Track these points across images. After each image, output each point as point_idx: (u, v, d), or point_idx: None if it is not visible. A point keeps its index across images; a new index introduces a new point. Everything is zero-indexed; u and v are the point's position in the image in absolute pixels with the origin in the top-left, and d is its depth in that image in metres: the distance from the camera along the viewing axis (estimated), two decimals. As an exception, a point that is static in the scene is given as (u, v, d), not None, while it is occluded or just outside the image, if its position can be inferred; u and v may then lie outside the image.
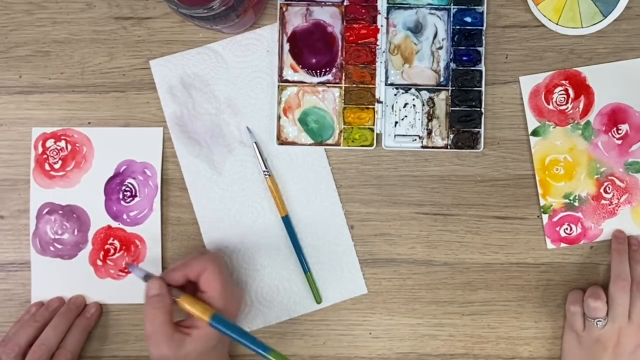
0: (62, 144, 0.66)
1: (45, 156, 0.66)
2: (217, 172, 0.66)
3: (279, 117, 0.66)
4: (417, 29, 0.66)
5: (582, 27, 0.65)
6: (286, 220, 0.66)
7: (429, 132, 0.66)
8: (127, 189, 0.67)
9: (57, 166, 0.66)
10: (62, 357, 0.61)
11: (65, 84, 0.67)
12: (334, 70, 0.66)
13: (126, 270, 0.67)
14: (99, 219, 0.67)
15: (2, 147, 0.67)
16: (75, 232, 0.67)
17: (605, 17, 0.64)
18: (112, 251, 0.67)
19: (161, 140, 0.66)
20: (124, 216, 0.67)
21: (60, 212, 0.67)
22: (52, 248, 0.67)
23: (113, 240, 0.67)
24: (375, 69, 0.65)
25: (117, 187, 0.67)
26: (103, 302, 0.67)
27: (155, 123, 0.66)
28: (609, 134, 0.66)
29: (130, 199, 0.67)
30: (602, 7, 0.64)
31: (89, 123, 0.67)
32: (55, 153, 0.66)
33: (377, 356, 0.67)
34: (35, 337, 0.62)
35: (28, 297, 0.67)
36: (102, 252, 0.67)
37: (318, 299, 0.66)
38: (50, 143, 0.66)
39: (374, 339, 0.67)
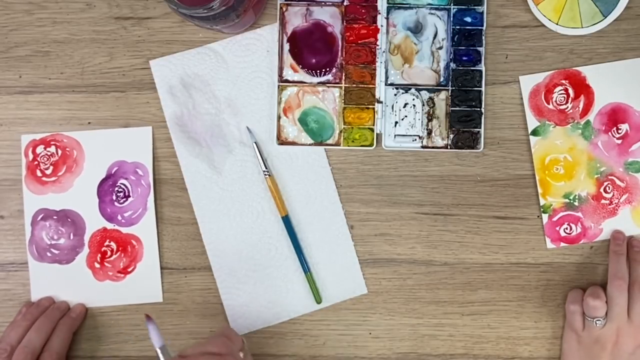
0: (52, 149, 0.66)
1: (36, 162, 0.66)
2: (217, 172, 0.66)
3: (279, 117, 0.66)
4: (417, 29, 0.66)
5: (582, 27, 0.65)
6: (286, 220, 0.66)
7: (429, 132, 0.66)
8: (120, 189, 0.66)
9: (48, 172, 0.66)
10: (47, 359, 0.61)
11: (65, 84, 0.67)
12: (334, 70, 0.66)
13: (124, 271, 0.67)
14: (94, 222, 0.67)
15: (3, 147, 0.67)
16: (71, 237, 0.67)
17: (605, 17, 0.64)
18: (109, 253, 0.67)
19: (151, 139, 0.66)
20: (119, 217, 0.67)
21: (55, 217, 0.66)
22: (49, 254, 0.66)
23: (109, 242, 0.67)
24: (375, 69, 0.65)
25: (110, 189, 0.67)
26: (104, 305, 0.67)
27: (155, 123, 0.66)
28: (609, 133, 0.66)
29: (124, 199, 0.66)
30: (602, 7, 0.64)
31: (89, 123, 0.67)
32: (45, 159, 0.66)
33: (377, 356, 0.67)
34: None
35: (28, 297, 0.67)
36: (100, 255, 0.67)
37: (318, 299, 0.66)
38: (40, 149, 0.66)
39: (374, 339, 0.67)
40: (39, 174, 0.66)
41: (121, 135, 0.66)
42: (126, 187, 0.66)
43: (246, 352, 0.58)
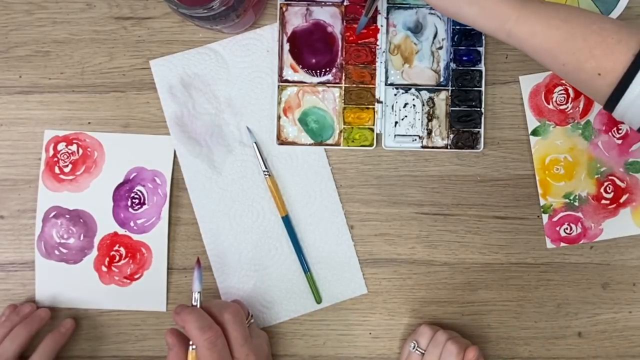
0: (74, 147, 0.66)
1: (55, 159, 0.66)
2: (217, 172, 0.66)
3: (279, 117, 0.66)
4: (417, 29, 0.66)
5: (582, 27, 0.65)
6: (286, 220, 0.66)
7: (429, 132, 0.66)
8: (136, 196, 0.66)
9: (67, 170, 0.66)
10: None
11: (65, 84, 0.67)
12: (334, 70, 0.66)
13: (131, 277, 0.66)
14: (106, 225, 0.66)
15: (2, 147, 0.67)
16: (81, 237, 0.67)
17: (605, 17, 0.64)
18: (117, 258, 0.66)
19: (173, 148, 0.66)
20: (131, 223, 0.66)
21: (67, 216, 0.66)
22: (57, 252, 0.66)
23: (119, 247, 0.66)
24: (375, 69, 0.65)
25: (125, 194, 0.66)
26: (107, 308, 0.67)
27: (155, 123, 0.66)
28: (609, 133, 0.66)
29: (139, 206, 0.66)
30: (602, 7, 0.64)
31: (89, 123, 0.67)
32: (66, 157, 0.66)
33: (377, 356, 0.67)
34: None
35: (28, 297, 0.67)
36: (108, 259, 0.66)
37: (318, 299, 0.66)
38: (61, 146, 0.66)
39: (374, 339, 0.67)
40: (57, 170, 0.66)
41: (143, 141, 0.66)
42: (142, 194, 0.66)
43: (251, 323, 0.61)
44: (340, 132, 0.66)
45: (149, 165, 0.66)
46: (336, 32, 0.66)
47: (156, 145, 0.66)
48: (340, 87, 0.66)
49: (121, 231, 0.67)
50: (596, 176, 0.66)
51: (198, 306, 0.58)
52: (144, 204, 0.66)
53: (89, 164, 0.66)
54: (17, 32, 0.67)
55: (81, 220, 0.66)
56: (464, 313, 0.67)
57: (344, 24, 0.65)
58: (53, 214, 0.66)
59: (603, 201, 0.66)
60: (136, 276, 0.66)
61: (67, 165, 0.66)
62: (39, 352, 0.62)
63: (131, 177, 0.66)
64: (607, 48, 0.49)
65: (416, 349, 0.61)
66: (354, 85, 0.66)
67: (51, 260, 0.66)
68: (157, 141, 0.66)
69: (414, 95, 0.66)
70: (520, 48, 0.53)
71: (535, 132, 0.66)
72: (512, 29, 0.52)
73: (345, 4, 0.65)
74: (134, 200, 0.66)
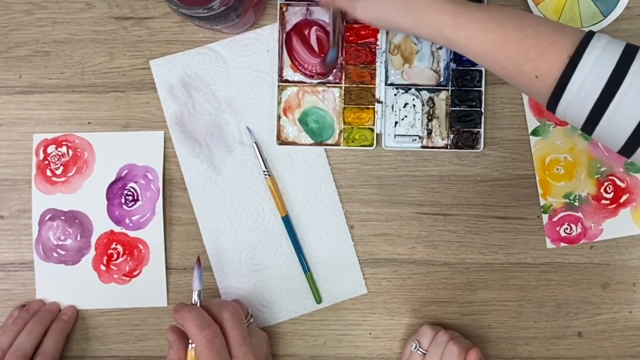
0: (64, 149, 0.66)
1: (46, 162, 0.66)
2: (217, 172, 0.66)
3: (279, 117, 0.66)
4: (417, 29, 0.66)
5: (582, 27, 0.65)
6: (286, 220, 0.66)
7: (429, 132, 0.66)
8: (129, 193, 0.66)
9: (58, 172, 0.66)
10: None
11: (65, 84, 0.67)
12: (334, 70, 0.66)
13: (130, 274, 0.67)
14: (102, 224, 0.67)
15: (2, 147, 0.67)
16: (78, 238, 0.67)
17: (605, 17, 0.64)
18: (115, 256, 0.67)
19: (162, 143, 0.66)
20: (127, 220, 0.66)
21: (63, 218, 0.66)
22: (55, 254, 0.66)
23: (116, 245, 0.67)
24: (375, 69, 0.65)
25: (119, 192, 0.66)
26: (108, 307, 0.67)
27: (155, 123, 0.66)
28: (609, 133, 0.65)
29: (132, 203, 0.66)
30: (602, 7, 0.64)
31: (89, 123, 0.67)
32: (56, 159, 0.66)
33: (377, 356, 0.67)
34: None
35: (28, 297, 0.67)
36: (106, 257, 0.67)
37: (318, 299, 0.66)
38: (51, 149, 0.66)
39: (374, 339, 0.67)
40: (48, 173, 0.66)
41: (133, 138, 0.66)
42: (135, 190, 0.66)
43: (250, 323, 0.61)
44: (340, 132, 0.66)
45: (139, 162, 0.66)
46: (336, 32, 0.66)
47: (145, 141, 0.66)
48: (340, 87, 0.66)
49: (117, 229, 0.67)
50: (596, 176, 0.66)
51: (198, 305, 0.58)
52: (137, 200, 0.66)
53: (80, 165, 0.66)
54: (17, 32, 0.67)
55: (77, 221, 0.66)
56: (464, 313, 0.67)
57: (344, 24, 0.65)
58: (48, 216, 0.66)
59: (603, 201, 0.66)
60: (135, 273, 0.66)
61: (58, 168, 0.66)
62: (48, 341, 0.63)
63: (123, 174, 0.66)
64: (543, 50, 0.49)
65: (417, 349, 0.61)
66: (354, 85, 0.66)
67: (50, 263, 0.66)
68: (146, 137, 0.66)
69: (414, 95, 0.66)
70: (460, 52, 0.54)
71: (535, 132, 0.66)
72: (448, 35, 0.53)
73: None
74: (127, 197, 0.66)
